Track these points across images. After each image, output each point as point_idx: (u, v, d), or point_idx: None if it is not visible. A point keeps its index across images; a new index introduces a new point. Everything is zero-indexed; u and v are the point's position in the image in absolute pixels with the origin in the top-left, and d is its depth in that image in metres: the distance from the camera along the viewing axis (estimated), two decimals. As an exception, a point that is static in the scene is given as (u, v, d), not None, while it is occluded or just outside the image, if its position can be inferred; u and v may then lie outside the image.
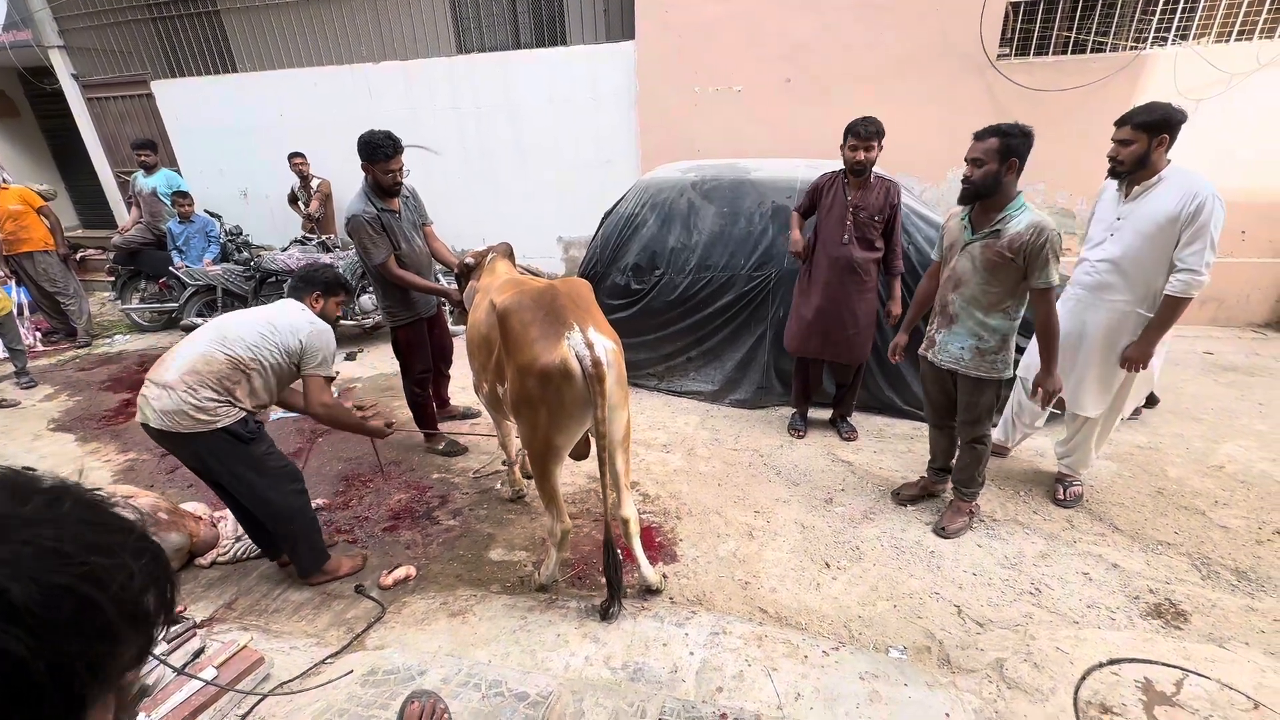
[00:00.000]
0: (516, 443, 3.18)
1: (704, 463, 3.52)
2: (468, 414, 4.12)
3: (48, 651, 0.42)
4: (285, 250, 5.90)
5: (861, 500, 3.12)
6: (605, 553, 2.22)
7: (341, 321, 5.59)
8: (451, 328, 3.91)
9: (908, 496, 3.10)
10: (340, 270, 6.04)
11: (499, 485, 3.39)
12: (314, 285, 2.55)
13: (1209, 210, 2.41)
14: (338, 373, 2.24)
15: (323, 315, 2.56)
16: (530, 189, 6.66)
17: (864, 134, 3.09)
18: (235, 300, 5.71)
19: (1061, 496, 3.00)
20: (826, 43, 5.36)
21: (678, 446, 3.68)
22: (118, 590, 0.46)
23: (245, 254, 6.11)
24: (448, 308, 3.79)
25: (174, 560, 2.78)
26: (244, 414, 2.30)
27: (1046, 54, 5.01)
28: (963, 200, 2.50)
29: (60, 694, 0.43)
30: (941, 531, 2.84)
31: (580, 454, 2.41)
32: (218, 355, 2.29)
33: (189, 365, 2.24)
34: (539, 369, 2.05)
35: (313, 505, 2.75)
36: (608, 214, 4.42)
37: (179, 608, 2.46)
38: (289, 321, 2.41)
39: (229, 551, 2.91)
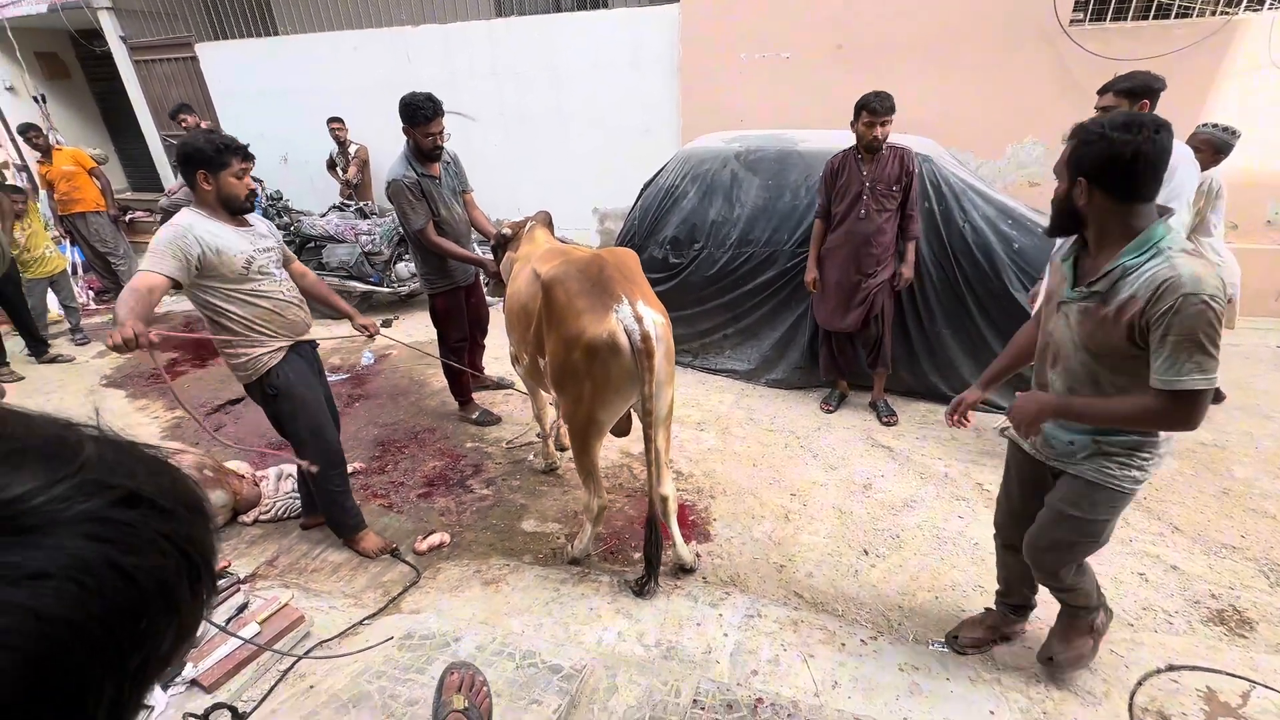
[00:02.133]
0: (551, 414, 3.15)
1: (739, 442, 3.47)
2: (501, 383, 4.10)
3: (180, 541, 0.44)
4: (324, 215, 5.96)
5: (902, 486, 3.02)
6: (647, 529, 2.22)
7: (376, 288, 5.71)
8: (487, 297, 3.97)
9: (970, 642, 2.12)
10: (369, 231, 5.77)
11: (531, 457, 3.38)
12: (188, 164, 2.09)
13: (1181, 175, 2.38)
14: (165, 280, 2.28)
15: (224, 200, 2.18)
16: (568, 157, 6.57)
17: (880, 110, 3.05)
18: None
19: None
20: (880, 7, 5.13)
21: (712, 425, 3.64)
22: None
23: (285, 218, 6.20)
24: (484, 277, 3.77)
25: (218, 517, 2.84)
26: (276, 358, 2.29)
27: (1125, 19, 4.71)
28: (1051, 232, 1.60)
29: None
30: (1051, 662, 1.95)
31: (622, 430, 2.36)
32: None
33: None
34: (585, 342, 2.02)
35: (349, 469, 2.86)
36: (647, 185, 4.32)
37: (223, 563, 2.52)
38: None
39: (270, 510, 2.98)
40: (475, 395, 3.90)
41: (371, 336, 2.60)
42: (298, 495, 2.89)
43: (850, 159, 3.25)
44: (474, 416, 3.77)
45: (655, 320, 2.01)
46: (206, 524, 0.44)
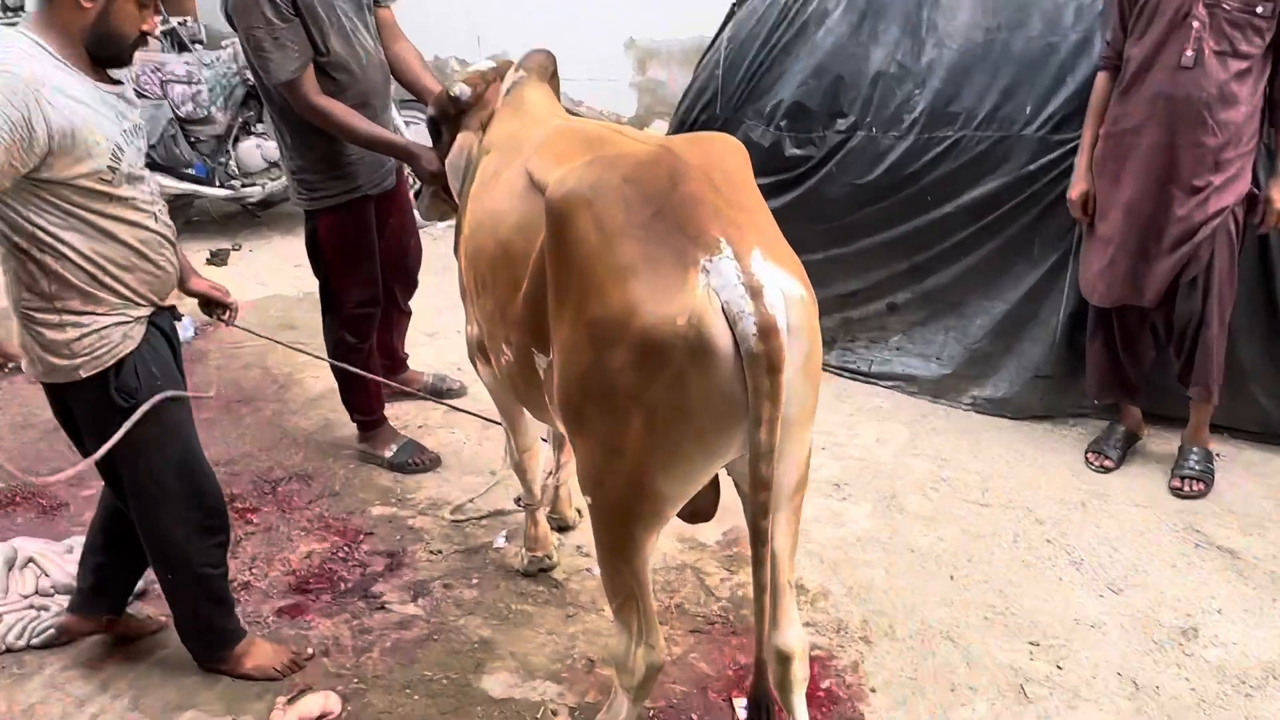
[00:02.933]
0: (545, 458, 2.47)
1: (919, 526, 2.65)
2: (440, 387, 3.17)
3: None
4: None
5: (1261, 636, 2.29)
6: (752, 715, 1.64)
7: (199, 188, 4.24)
8: (419, 219, 2.97)
9: None
10: (188, 77, 4.25)
11: (501, 542, 2.58)
12: None
13: None
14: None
15: (103, 37, 1.63)
16: None
17: None
18: None
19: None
20: None
21: (864, 487, 2.76)
22: None
23: None
24: (412, 181, 2.94)
25: None
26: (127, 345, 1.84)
27: None
28: None
29: None
30: None
31: (701, 511, 1.71)
32: None
33: None
34: (639, 333, 1.41)
35: None
36: (741, 1, 3.52)
37: None
38: None
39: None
40: (390, 409, 3.04)
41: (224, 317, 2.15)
42: (47, 599, 2.26)
43: None
44: (386, 454, 2.87)
45: (788, 292, 1.43)
46: None
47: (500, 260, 1.83)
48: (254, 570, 2.55)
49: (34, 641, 2.30)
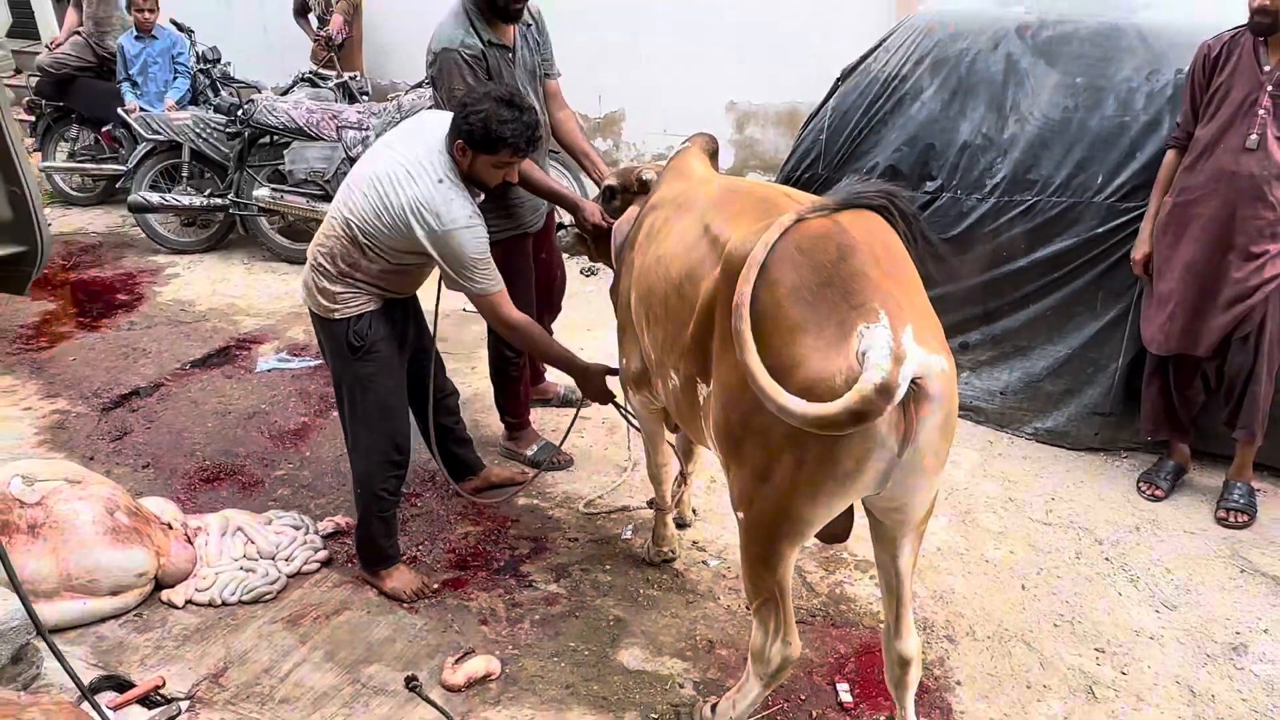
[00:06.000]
0: (672, 469, 2.64)
1: (992, 542, 2.82)
2: (571, 397, 3.43)
3: None
4: (287, 93, 4.96)
5: None
6: None
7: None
8: (561, 255, 3.31)
9: None
10: (359, 123, 4.64)
11: (628, 534, 2.85)
12: (457, 127, 2.21)
13: None
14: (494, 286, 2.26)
15: (470, 178, 2.27)
16: (688, 19, 5.25)
17: None
18: (209, 168, 4.98)
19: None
20: None
21: (941, 503, 2.87)
22: None
23: (225, 94, 5.19)
24: (567, 222, 3.08)
25: (135, 590, 2.46)
26: (370, 307, 2.36)
27: None
28: None
29: None
30: None
31: (837, 534, 1.85)
32: (339, 212, 2.33)
33: (322, 226, 2.42)
34: (800, 386, 1.52)
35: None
36: (847, 72, 3.57)
37: (153, 681, 2.11)
38: (412, 192, 2.20)
39: (209, 586, 2.52)
40: (536, 416, 3.32)
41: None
42: (254, 563, 2.56)
43: (1243, 44, 2.64)
44: (528, 452, 3.13)
45: (932, 366, 1.51)
46: None
47: (672, 298, 1.92)
48: (420, 547, 2.73)
49: (245, 598, 2.50)
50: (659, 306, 1.99)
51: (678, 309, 1.90)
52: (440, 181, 2.19)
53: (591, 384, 2.53)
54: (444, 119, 2.30)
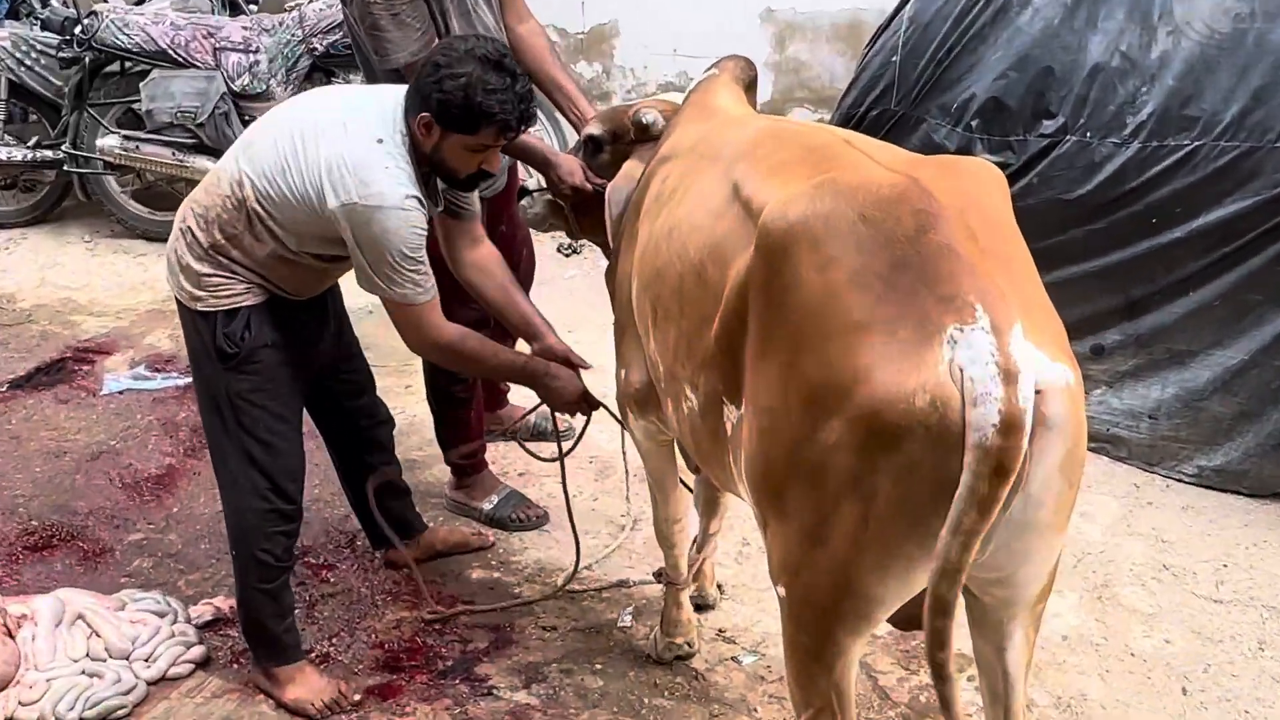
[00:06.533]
0: (691, 526, 2.18)
1: (1139, 625, 2.30)
2: (544, 428, 2.75)
3: None
4: (143, 1, 4.29)
5: None
6: None
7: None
8: (527, 228, 2.70)
9: None
10: (245, 44, 3.82)
11: (627, 620, 2.29)
12: (421, 94, 1.86)
13: None
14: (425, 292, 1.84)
15: (433, 160, 1.90)
16: None
17: None
18: (34, 108, 4.31)
19: None
20: None
21: (1069, 572, 2.42)
22: None
23: (56, 2, 4.41)
24: (532, 185, 2.52)
25: None
26: (247, 301, 1.96)
27: None
28: None
29: None
30: None
31: (918, 618, 1.41)
32: (232, 162, 1.96)
33: (204, 179, 2.08)
34: (866, 409, 1.24)
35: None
36: None
37: None
38: (338, 147, 1.84)
39: (37, 699, 2.03)
40: (489, 451, 2.77)
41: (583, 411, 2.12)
42: (101, 665, 2.14)
43: None
44: (485, 506, 2.56)
45: (1052, 381, 1.22)
46: None
47: (690, 285, 1.62)
48: (335, 641, 2.25)
49: (88, 714, 2.09)
50: (671, 298, 1.70)
51: (697, 301, 1.60)
52: (380, 141, 1.84)
53: (557, 391, 2.08)
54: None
